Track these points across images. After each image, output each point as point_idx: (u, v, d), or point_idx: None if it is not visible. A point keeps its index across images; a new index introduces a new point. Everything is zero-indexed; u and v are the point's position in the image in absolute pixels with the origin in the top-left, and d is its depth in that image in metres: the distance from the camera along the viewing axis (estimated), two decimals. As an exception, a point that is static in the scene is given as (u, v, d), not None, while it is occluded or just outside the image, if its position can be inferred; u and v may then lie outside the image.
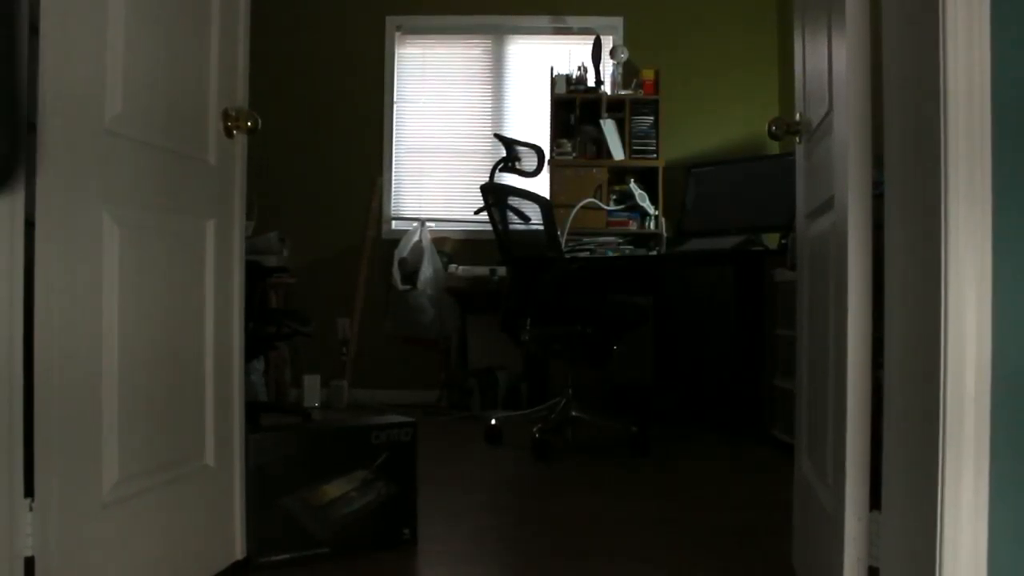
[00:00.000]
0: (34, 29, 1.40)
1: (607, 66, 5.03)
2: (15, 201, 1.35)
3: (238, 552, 2.01)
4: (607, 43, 5.12)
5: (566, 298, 3.61)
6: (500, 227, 3.71)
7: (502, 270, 4.74)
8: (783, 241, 4.02)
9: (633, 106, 4.93)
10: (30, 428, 1.38)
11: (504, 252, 3.79)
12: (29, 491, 1.38)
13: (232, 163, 1.98)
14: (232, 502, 1.99)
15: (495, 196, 3.70)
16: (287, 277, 4.78)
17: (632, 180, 4.86)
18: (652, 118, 4.91)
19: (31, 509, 1.38)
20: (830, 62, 1.59)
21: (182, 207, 1.79)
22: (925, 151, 1.18)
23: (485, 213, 3.77)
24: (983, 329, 1.14)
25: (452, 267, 4.95)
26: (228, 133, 1.94)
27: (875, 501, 1.39)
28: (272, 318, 4.16)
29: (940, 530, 1.15)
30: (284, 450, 2.06)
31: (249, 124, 1.96)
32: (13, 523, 1.35)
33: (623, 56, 5.00)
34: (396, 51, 5.23)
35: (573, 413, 3.75)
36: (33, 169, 1.38)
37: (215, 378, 1.91)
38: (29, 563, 1.38)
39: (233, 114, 1.94)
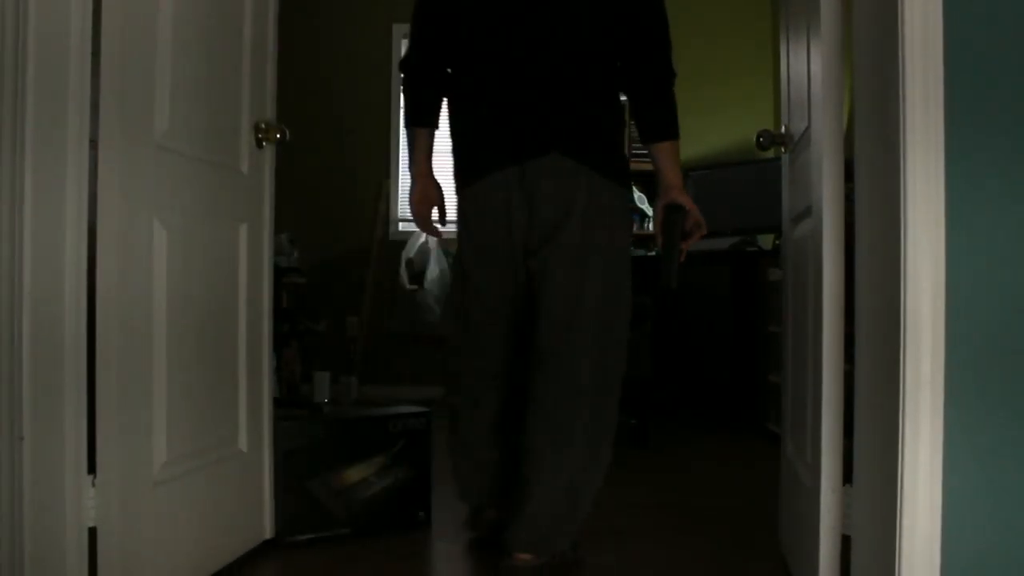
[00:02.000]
0: (95, 53, 1.57)
1: (607, 72, 5.19)
2: (80, 212, 1.51)
3: (267, 531, 2.17)
4: (607, 50, 5.27)
5: None
6: None
7: (506, 270, 4.90)
8: (777, 242, 4.18)
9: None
10: (92, 412, 1.54)
11: None
12: (91, 468, 1.55)
13: (262, 172, 2.15)
14: (262, 485, 2.15)
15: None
16: (297, 277, 4.94)
17: (632, 183, 5.01)
18: (651, 123, 5.06)
19: (93, 485, 1.55)
20: (809, 78, 1.75)
21: (219, 212, 1.96)
22: (887, 155, 1.35)
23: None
24: (938, 322, 1.30)
25: (457, 267, 5.11)
26: (259, 144, 2.11)
27: (848, 476, 1.56)
28: (285, 317, 4.33)
29: (900, 499, 1.31)
30: (309, 437, 2.23)
31: (278, 136, 2.12)
32: (79, 496, 1.51)
33: (623, 63, 5.15)
34: (403, 58, 5.39)
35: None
36: (95, 180, 1.54)
37: (247, 369, 2.07)
38: (92, 532, 1.55)
39: (263, 127, 2.11)
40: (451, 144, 2.11)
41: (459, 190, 2.08)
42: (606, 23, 1.94)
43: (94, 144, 1.55)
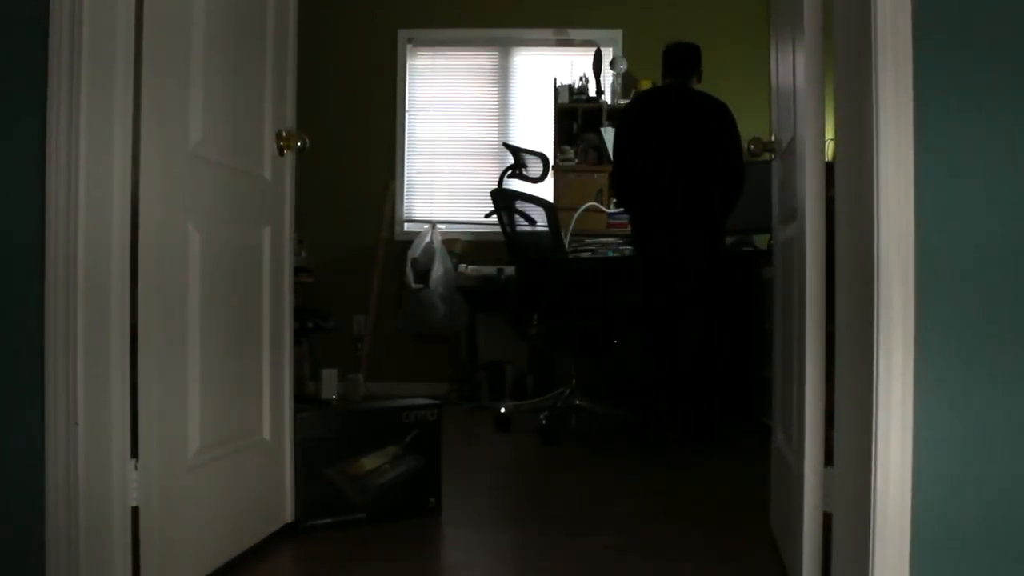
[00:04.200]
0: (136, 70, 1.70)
1: (607, 76, 5.33)
2: (124, 222, 1.64)
3: (288, 516, 2.31)
4: (607, 55, 5.42)
5: (571, 295, 3.91)
6: (508, 229, 4.00)
7: (509, 269, 5.03)
8: (772, 242, 4.30)
9: (632, 115, 5.24)
10: (135, 401, 1.68)
11: (512, 253, 4.09)
12: (134, 453, 1.68)
13: (283, 178, 2.29)
14: (283, 472, 2.29)
15: (503, 201, 4.00)
16: (306, 277, 5.08)
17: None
18: (650, 126, 5.21)
19: (136, 468, 1.68)
20: (794, 88, 1.88)
21: (245, 217, 2.09)
22: (862, 118, 1.48)
23: (494, 216, 4.07)
24: (908, 322, 1.43)
25: (461, 267, 5.23)
26: (280, 152, 2.24)
27: (830, 459, 1.70)
28: (295, 315, 4.44)
29: (874, 477, 1.44)
30: (327, 427, 2.37)
31: (298, 144, 2.26)
32: (124, 478, 1.65)
33: (622, 67, 5.30)
34: (408, 62, 5.54)
35: (577, 402, 4.05)
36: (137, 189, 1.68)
37: (270, 363, 2.21)
38: (135, 512, 1.68)
39: (284, 135, 2.24)
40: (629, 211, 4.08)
41: (634, 237, 3.99)
42: (709, 155, 3.74)
43: (136, 151, 1.68)
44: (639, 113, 3.95)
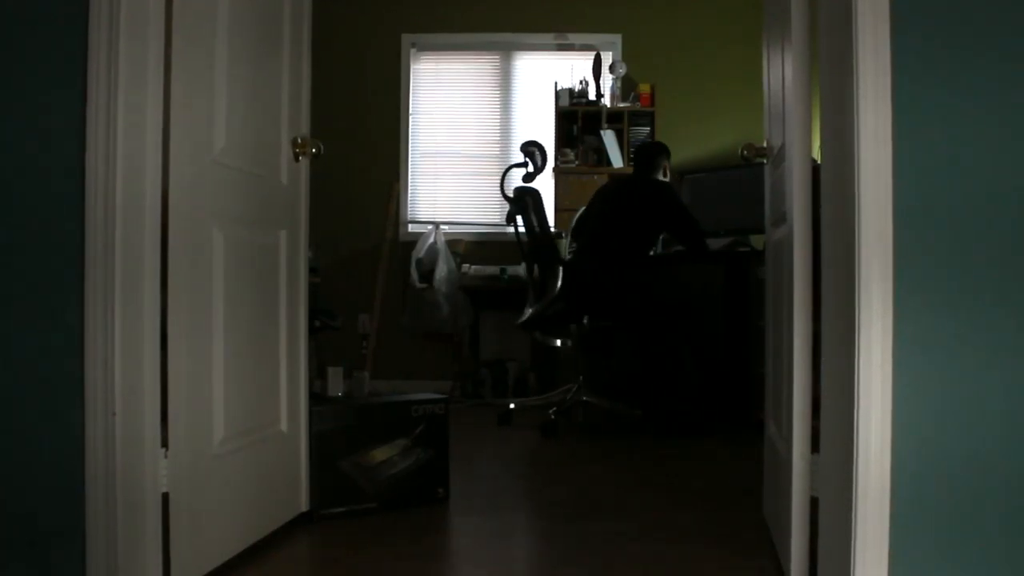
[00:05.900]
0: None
1: (607, 80, 5.44)
2: (155, 227, 1.76)
3: (303, 504, 2.42)
4: (607, 59, 5.53)
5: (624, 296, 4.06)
6: (536, 230, 4.09)
7: (511, 269, 5.14)
8: (765, 243, 4.41)
9: (631, 117, 5.34)
10: (165, 393, 1.79)
11: (531, 253, 4.18)
12: (164, 442, 1.79)
13: (298, 183, 2.40)
14: (299, 463, 2.40)
15: (522, 202, 4.11)
16: (312, 276, 5.17)
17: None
18: (648, 128, 5.32)
19: (166, 456, 1.79)
20: (784, 95, 1.99)
21: (263, 220, 2.20)
22: (844, 102, 1.59)
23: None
24: (886, 317, 1.54)
25: (465, 266, 5.34)
26: (296, 158, 2.35)
27: (817, 447, 1.80)
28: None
29: (856, 463, 1.55)
30: (340, 420, 2.48)
31: (313, 150, 2.37)
32: (156, 466, 1.76)
33: (622, 71, 5.41)
34: (412, 66, 5.65)
35: (584, 398, 4.16)
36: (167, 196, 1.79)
37: (287, 359, 2.32)
38: (165, 497, 1.79)
39: (300, 142, 2.35)
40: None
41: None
42: (649, 226, 4.21)
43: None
44: (599, 189, 4.54)
